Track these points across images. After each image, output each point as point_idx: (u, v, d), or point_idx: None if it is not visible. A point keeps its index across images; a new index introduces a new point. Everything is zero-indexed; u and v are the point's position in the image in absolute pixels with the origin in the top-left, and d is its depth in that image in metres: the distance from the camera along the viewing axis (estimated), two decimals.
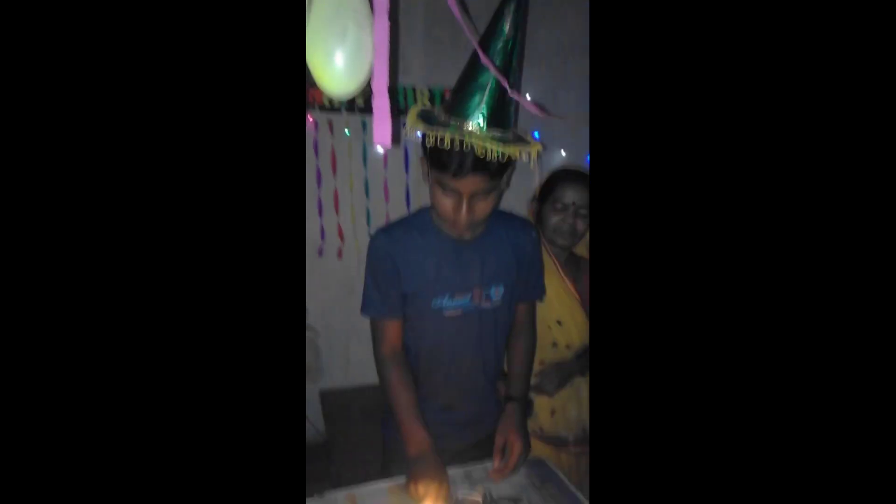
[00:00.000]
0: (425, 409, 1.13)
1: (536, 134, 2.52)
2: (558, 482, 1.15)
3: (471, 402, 1.25)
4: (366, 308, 1.17)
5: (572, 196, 1.38)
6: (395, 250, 1.12)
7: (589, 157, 2.54)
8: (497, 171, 1.01)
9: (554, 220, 1.40)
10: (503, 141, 0.96)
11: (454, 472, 1.11)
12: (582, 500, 1.08)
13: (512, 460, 1.13)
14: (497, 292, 1.19)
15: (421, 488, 1.00)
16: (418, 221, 1.16)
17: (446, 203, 1.04)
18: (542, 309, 1.40)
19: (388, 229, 1.16)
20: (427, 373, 1.20)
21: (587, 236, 1.49)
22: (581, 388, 1.47)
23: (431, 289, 1.13)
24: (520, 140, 1.01)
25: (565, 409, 1.44)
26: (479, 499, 1.02)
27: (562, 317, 1.45)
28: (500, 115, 0.98)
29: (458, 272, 1.14)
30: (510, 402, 1.22)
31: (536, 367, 1.40)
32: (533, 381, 1.37)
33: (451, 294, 1.14)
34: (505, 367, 1.33)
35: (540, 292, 1.34)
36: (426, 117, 1.01)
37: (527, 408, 1.30)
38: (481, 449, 1.21)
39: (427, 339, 1.18)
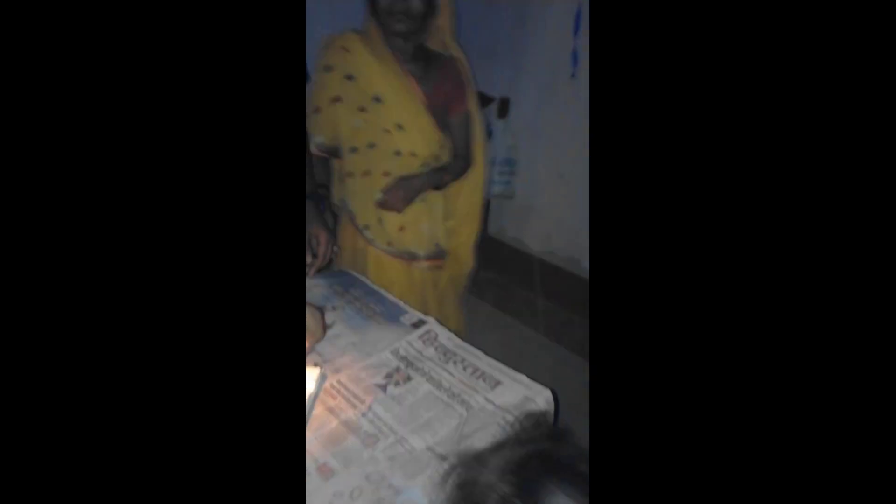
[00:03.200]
0: None
1: None
2: (363, 286, 1.14)
3: None
4: None
5: None
6: None
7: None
8: None
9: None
10: None
11: None
12: (387, 296, 1.11)
13: (320, 251, 1.13)
14: None
15: None
16: None
17: None
18: (378, 110, 1.24)
19: None
20: None
21: (444, 23, 1.27)
22: (435, 203, 1.37)
23: None
24: None
25: (416, 225, 1.36)
26: None
27: (403, 120, 1.27)
28: None
29: None
30: (306, 202, 1.18)
31: (382, 179, 1.30)
32: (378, 196, 1.29)
33: None
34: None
35: None
36: None
37: (321, 202, 1.26)
38: None
39: None
